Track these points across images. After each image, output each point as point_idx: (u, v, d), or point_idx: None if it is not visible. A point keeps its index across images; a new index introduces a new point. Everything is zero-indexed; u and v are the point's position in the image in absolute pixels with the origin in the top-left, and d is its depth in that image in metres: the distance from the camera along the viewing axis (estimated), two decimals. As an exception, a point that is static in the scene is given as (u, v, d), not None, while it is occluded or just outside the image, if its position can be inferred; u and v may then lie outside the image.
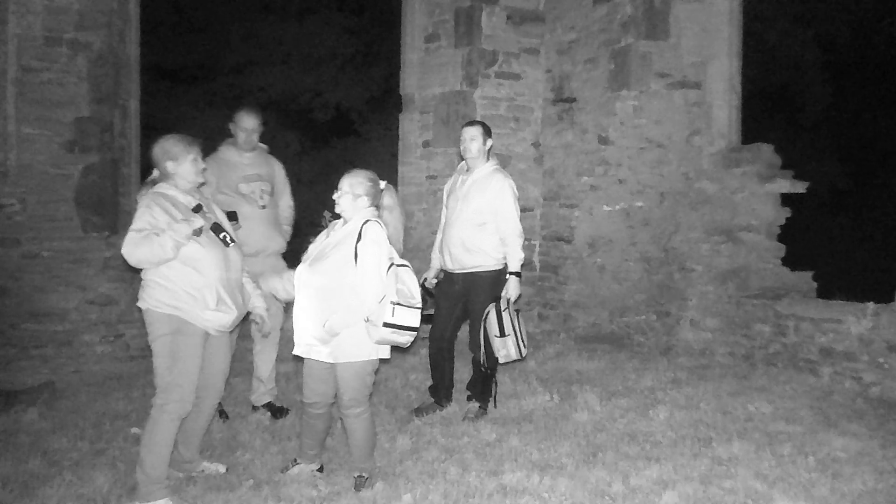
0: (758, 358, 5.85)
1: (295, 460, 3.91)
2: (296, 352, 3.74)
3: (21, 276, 5.73)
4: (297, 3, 13.56)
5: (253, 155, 4.83)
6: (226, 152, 4.79)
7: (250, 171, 4.78)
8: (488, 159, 4.85)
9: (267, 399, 4.87)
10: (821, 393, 5.13)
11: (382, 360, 3.85)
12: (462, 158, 4.94)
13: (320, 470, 3.89)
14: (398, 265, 3.68)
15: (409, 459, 4.06)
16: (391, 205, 3.81)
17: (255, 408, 4.85)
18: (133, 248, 3.46)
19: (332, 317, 3.55)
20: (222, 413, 4.67)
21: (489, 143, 4.83)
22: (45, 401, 4.98)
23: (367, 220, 3.64)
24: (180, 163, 3.62)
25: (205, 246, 3.55)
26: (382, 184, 3.81)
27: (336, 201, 3.72)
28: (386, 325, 3.55)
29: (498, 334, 4.64)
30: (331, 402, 3.80)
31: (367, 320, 3.58)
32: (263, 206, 4.76)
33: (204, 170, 3.76)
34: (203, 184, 3.84)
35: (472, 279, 4.77)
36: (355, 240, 3.60)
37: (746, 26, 6.62)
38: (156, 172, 3.68)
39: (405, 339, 3.67)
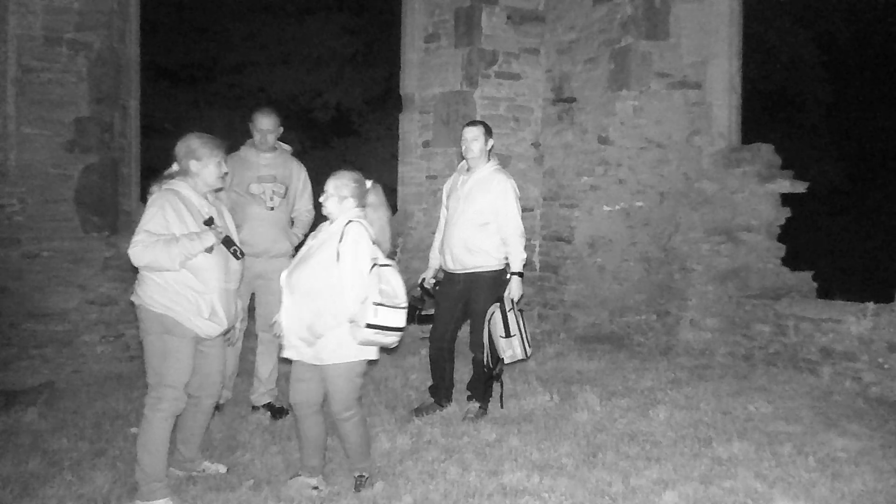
0: (758, 358, 5.85)
1: (297, 472, 3.78)
2: (284, 354, 3.72)
3: (21, 276, 5.72)
4: (297, 3, 13.55)
5: (272, 156, 4.86)
6: (245, 152, 4.85)
7: (265, 171, 4.81)
8: (489, 159, 4.85)
9: (266, 399, 4.88)
10: (821, 393, 5.13)
11: (375, 361, 3.80)
12: (462, 158, 4.94)
13: (316, 488, 3.70)
14: (381, 265, 3.60)
15: (409, 459, 4.07)
16: (376, 203, 3.74)
17: (254, 408, 4.85)
18: (142, 251, 3.43)
19: (317, 319, 3.51)
20: (217, 407, 4.66)
21: (490, 143, 4.84)
22: (45, 401, 4.98)
23: (350, 221, 3.61)
24: (205, 164, 3.60)
25: (209, 256, 3.54)
26: (368, 183, 3.76)
27: (322, 203, 3.70)
28: (369, 326, 3.48)
29: (503, 335, 4.64)
30: (317, 405, 3.69)
31: (352, 322, 3.52)
32: (272, 208, 4.78)
33: (225, 174, 3.76)
34: (220, 189, 3.83)
35: (473, 279, 4.77)
36: (338, 240, 3.57)
37: (746, 26, 6.61)
38: (175, 167, 3.65)
39: (390, 340, 3.59)
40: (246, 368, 5.25)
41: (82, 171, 5.90)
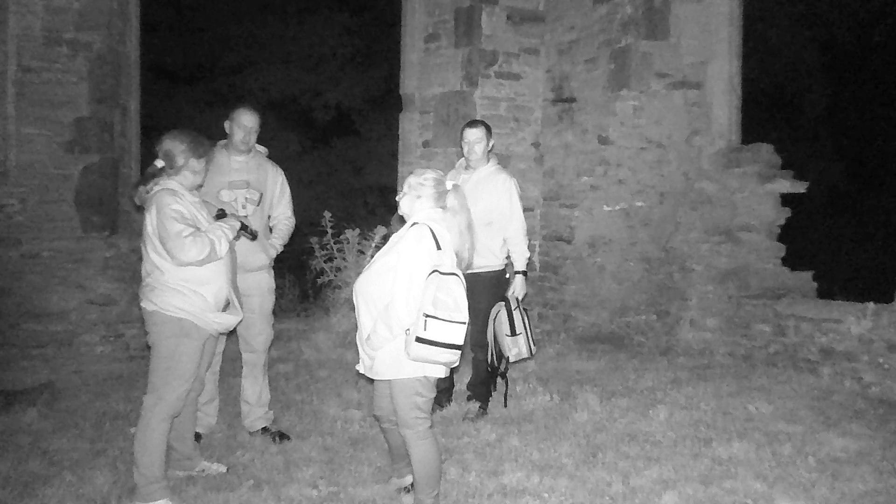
0: (758, 358, 5.85)
1: (390, 476, 3.76)
2: (357, 367, 3.52)
3: (21, 276, 5.72)
4: (297, 3, 13.56)
5: (245, 159, 4.41)
6: (216, 154, 4.31)
7: (237, 176, 4.37)
8: (489, 159, 4.85)
9: (262, 424, 4.49)
10: (821, 393, 5.13)
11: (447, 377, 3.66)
12: (461, 157, 4.94)
13: (408, 489, 3.58)
14: (444, 273, 3.19)
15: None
16: (456, 207, 3.41)
17: (251, 433, 4.49)
18: (194, 244, 3.42)
19: (374, 330, 3.26)
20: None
21: (491, 143, 4.84)
22: (45, 401, 4.98)
23: (416, 223, 3.33)
24: (189, 162, 3.60)
25: None
26: (449, 184, 3.46)
27: (398, 202, 3.48)
28: (419, 339, 3.12)
29: (509, 333, 4.63)
30: (395, 419, 3.47)
31: (408, 332, 3.19)
32: (244, 217, 4.22)
33: (206, 170, 3.76)
34: (200, 185, 3.83)
35: (475, 279, 4.72)
36: (401, 245, 3.31)
37: (746, 26, 6.61)
38: (158, 163, 3.63)
39: (445, 357, 3.17)
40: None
41: (82, 171, 5.90)
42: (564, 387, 5.34)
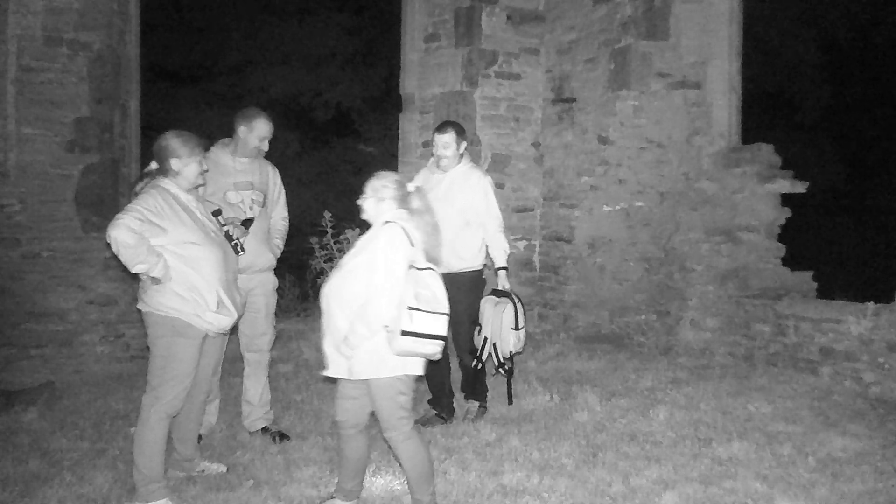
0: (758, 358, 5.85)
1: (332, 494, 3.57)
2: (324, 371, 3.46)
3: (21, 276, 5.73)
4: (297, 3, 13.56)
5: (248, 160, 4.39)
6: (219, 155, 4.30)
7: (241, 178, 4.34)
8: (461, 160, 4.80)
9: (262, 424, 4.48)
10: (821, 393, 5.13)
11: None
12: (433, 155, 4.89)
13: None
14: (421, 269, 3.30)
15: (409, 459, 4.05)
16: (421, 208, 3.46)
17: (251, 433, 4.49)
18: (127, 235, 3.37)
19: (351, 329, 3.26)
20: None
21: (463, 145, 4.77)
22: (45, 401, 4.98)
23: (386, 222, 3.38)
24: (186, 163, 3.59)
25: (204, 247, 3.55)
26: (411, 186, 3.51)
27: (361, 206, 3.48)
28: (404, 333, 3.19)
29: (514, 327, 4.64)
30: (361, 425, 3.45)
31: (387, 329, 3.23)
32: (251, 219, 4.29)
33: (205, 171, 3.74)
34: (202, 185, 3.82)
35: (453, 280, 4.52)
36: (375, 244, 3.35)
37: (746, 26, 6.62)
38: (153, 165, 3.64)
39: (430, 349, 3.26)
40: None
41: (82, 171, 5.90)
42: (564, 387, 5.35)
